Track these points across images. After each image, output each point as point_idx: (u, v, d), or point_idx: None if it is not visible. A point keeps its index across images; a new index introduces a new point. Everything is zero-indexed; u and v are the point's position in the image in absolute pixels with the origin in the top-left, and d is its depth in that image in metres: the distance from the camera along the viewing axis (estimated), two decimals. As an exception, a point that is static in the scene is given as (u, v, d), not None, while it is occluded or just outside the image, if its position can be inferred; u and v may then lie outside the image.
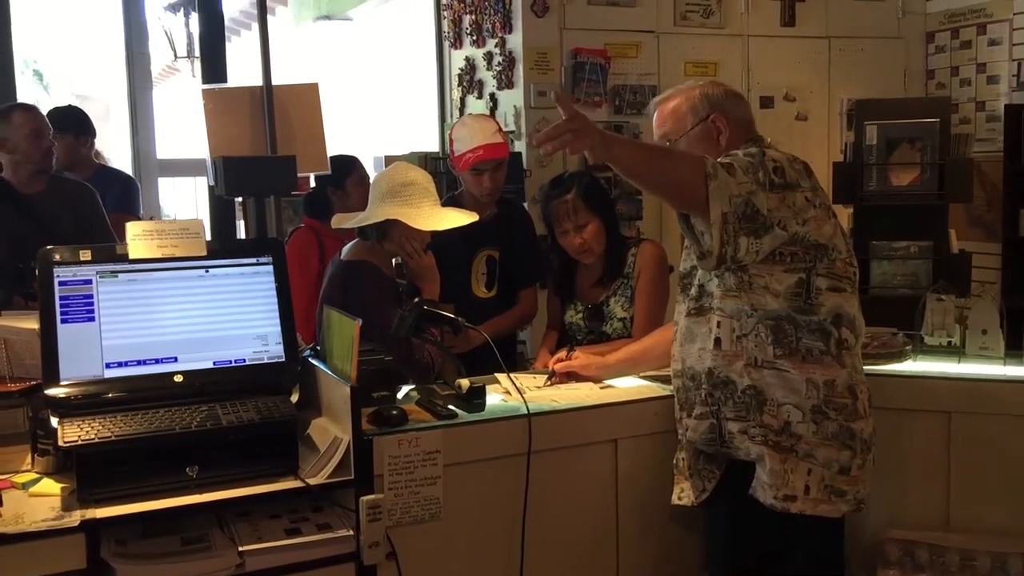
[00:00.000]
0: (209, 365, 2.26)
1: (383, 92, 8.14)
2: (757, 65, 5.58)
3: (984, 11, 5.61)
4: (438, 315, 2.63)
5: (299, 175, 3.57)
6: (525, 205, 4.56)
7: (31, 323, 2.32)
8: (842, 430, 2.28)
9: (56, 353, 2.14)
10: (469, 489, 2.35)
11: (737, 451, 2.34)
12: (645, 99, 5.11)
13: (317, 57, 8.40)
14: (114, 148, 6.24)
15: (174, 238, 2.32)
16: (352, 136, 6.87)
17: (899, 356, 2.88)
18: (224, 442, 2.09)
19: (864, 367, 2.41)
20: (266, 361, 2.31)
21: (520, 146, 5.11)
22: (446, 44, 5.85)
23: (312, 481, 2.13)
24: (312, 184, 4.05)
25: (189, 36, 6.16)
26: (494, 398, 2.55)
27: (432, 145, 5.97)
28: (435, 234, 2.94)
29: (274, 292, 2.37)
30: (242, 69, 5.04)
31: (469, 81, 5.59)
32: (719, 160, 2.20)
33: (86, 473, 2.00)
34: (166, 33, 6.37)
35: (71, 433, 2.01)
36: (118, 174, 4.86)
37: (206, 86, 3.91)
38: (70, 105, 4.79)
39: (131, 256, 2.27)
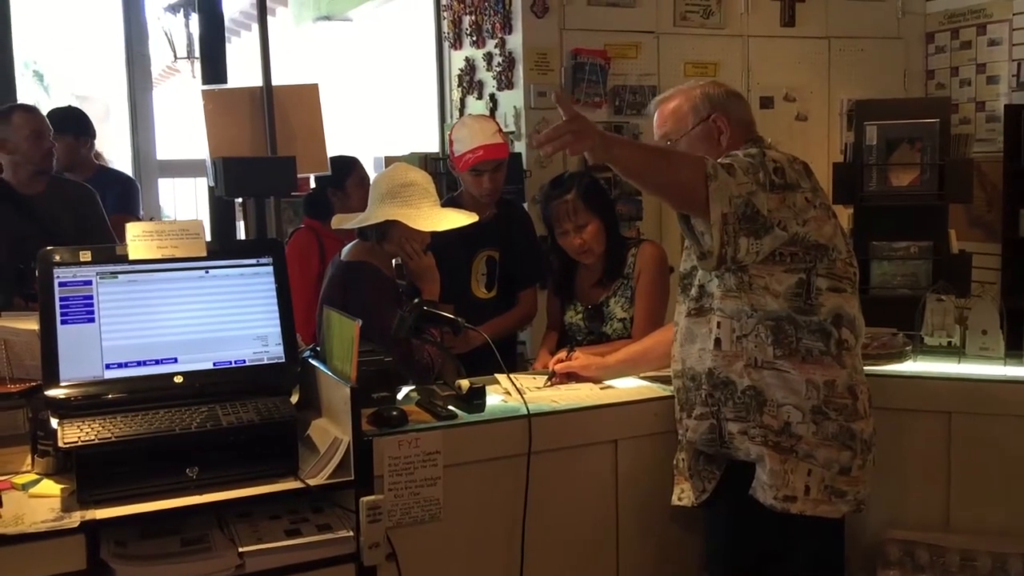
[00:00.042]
0: (209, 366, 2.26)
1: (383, 93, 8.14)
2: (757, 65, 5.57)
3: (984, 11, 5.60)
4: (438, 316, 2.63)
5: (299, 176, 3.57)
6: (525, 206, 4.55)
7: (31, 324, 2.32)
8: (842, 430, 2.28)
9: (56, 354, 2.14)
10: (469, 490, 2.35)
11: (737, 452, 2.34)
12: (645, 100, 5.11)
13: (317, 58, 8.40)
14: (114, 149, 6.24)
15: (174, 239, 2.32)
16: (352, 137, 6.87)
17: (899, 356, 2.88)
18: (224, 443, 2.09)
19: (864, 367, 2.41)
20: (266, 362, 2.31)
21: (520, 147, 5.11)
22: (446, 45, 5.85)
23: (312, 482, 2.13)
24: (312, 185, 4.05)
25: (189, 37, 6.16)
26: (494, 399, 2.55)
27: (432, 146, 5.97)
28: (435, 235, 2.94)
29: (274, 293, 2.37)
30: (242, 70, 5.04)
31: (469, 82, 5.59)
32: (719, 161, 2.20)
33: (86, 474, 2.00)
34: (166, 34, 6.37)
35: (71, 434, 2.01)
36: (118, 175, 4.86)
37: (206, 87, 3.91)
38: (70, 106, 4.79)
39: (131, 257, 2.27)
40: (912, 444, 2.71)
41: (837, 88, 5.75)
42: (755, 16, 5.56)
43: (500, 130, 3.36)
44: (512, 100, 5.21)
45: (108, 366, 2.18)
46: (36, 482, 2.12)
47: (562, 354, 2.88)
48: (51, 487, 2.09)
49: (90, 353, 2.17)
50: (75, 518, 1.94)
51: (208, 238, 2.37)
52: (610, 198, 3.54)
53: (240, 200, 4.09)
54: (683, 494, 2.47)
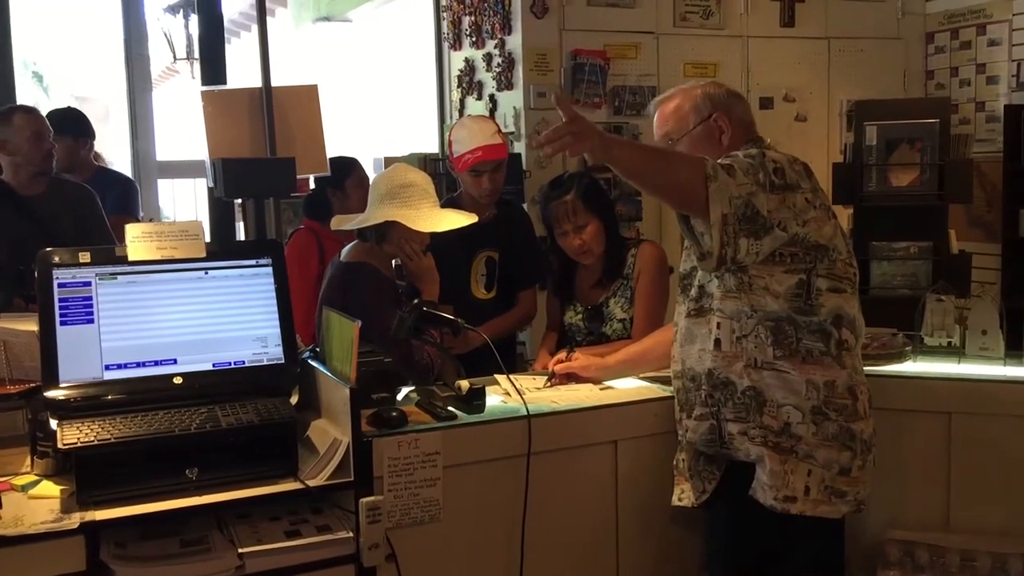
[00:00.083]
0: (208, 367, 2.26)
1: (382, 93, 8.14)
2: (757, 66, 5.57)
3: (983, 11, 5.60)
4: (437, 316, 2.63)
5: (298, 177, 3.58)
6: (524, 206, 4.55)
7: (30, 325, 2.32)
8: (842, 431, 2.28)
9: (55, 355, 2.14)
10: (469, 491, 2.35)
11: (737, 452, 2.34)
12: (645, 100, 5.10)
13: (316, 59, 8.40)
14: (114, 150, 6.24)
15: (173, 240, 2.32)
16: (351, 137, 6.87)
17: (899, 357, 2.88)
18: (224, 444, 2.09)
19: (864, 368, 2.41)
20: (265, 363, 2.31)
21: (519, 147, 5.11)
22: (445, 45, 5.85)
23: (312, 483, 2.13)
24: (312, 186, 4.06)
25: (188, 38, 6.16)
26: (494, 399, 2.55)
27: (431, 146, 5.97)
28: (434, 235, 2.94)
29: (273, 294, 2.37)
30: (241, 71, 5.04)
31: (468, 82, 5.59)
32: (719, 161, 2.20)
33: (85, 475, 2.00)
34: (165, 35, 6.37)
35: (70, 435, 2.01)
36: (117, 176, 4.86)
37: (205, 88, 3.91)
38: (69, 107, 4.79)
39: (130, 258, 2.27)
40: (912, 444, 2.71)
41: (837, 88, 5.75)
42: (755, 16, 5.56)
43: (499, 131, 3.36)
44: (512, 101, 5.21)
45: (107, 367, 2.18)
46: (35, 483, 2.11)
47: (562, 355, 2.88)
48: (51, 488, 2.08)
49: (89, 354, 2.17)
50: (75, 519, 1.93)
51: (207, 239, 2.37)
52: (610, 199, 3.54)
53: (239, 201, 4.08)
54: (683, 494, 2.47)
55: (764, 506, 2.28)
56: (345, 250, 3.03)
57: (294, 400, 2.35)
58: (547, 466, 2.41)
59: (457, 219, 2.95)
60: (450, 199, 3.43)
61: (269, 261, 2.39)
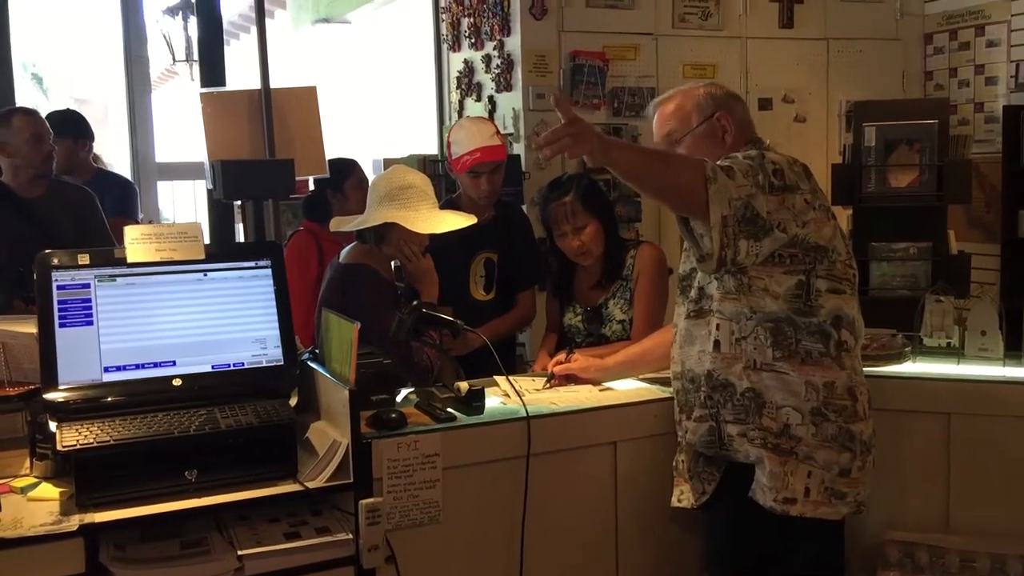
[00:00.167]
0: (208, 369, 2.26)
1: (381, 95, 8.14)
2: (755, 67, 5.57)
3: (982, 12, 5.61)
4: (437, 318, 2.63)
5: (297, 178, 3.58)
6: (523, 207, 4.55)
7: (29, 327, 2.32)
8: (842, 432, 2.28)
9: (54, 357, 2.14)
10: (468, 492, 2.35)
11: (736, 453, 2.33)
12: (644, 101, 5.11)
13: (315, 60, 8.40)
14: (113, 152, 6.24)
15: (172, 242, 2.32)
16: (350, 139, 6.87)
17: (898, 358, 2.88)
18: (223, 446, 2.09)
19: (864, 369, 2.41)
20: (265, 365, 2.31)
21: (518, 148, 5.11)
22: (444, 47, 5.85)
23: (311, 485, 2.13)
24: (311, 187, 4.06)
25: (188, 39, 6.15)
26: (493, 401, 2.55)
27: (431, 148, 5.96)
28: (433, 237, 2.94)
29: (273, 295, 2.37)
30: (240, 72, 5.04)
31: (467, 84, 5.59)
32: (718, 163, 2.20)
33: (85, 477, 1.99)
34: (164, 37, 6.36)
35: (70, 437, 2.01)
36: (116, 178, 4.86)
37: (204, 89, 3.91)
38: (68, 109, 4.79)
39: (129, 260, 2.27)
40: (912, 445, 2.71)
41: (836, 89, 5.76)
42: (753, 17, 5.56)
43: (498, 132, 3.36)
44: (511, 102, 5.21)
45: (107, 369, 2.18)
46: (35, 485, 2.11)
47: (561, 356, 2.88)
48: (50, 490, 2.08)
49: (88, 356, 2.17)
50: (74, 521, 1.93)
51: (207, 241, 2.38)
52: (609, 200, 3.54)
53: (239, 203, 4.08)
54: (683, 496, 2.47)
55: (764, 507, 2.28)
56: (344, 252, 3.03)
57: (293, 402, 2.34)
58: (547, 467, 2.41)
59: (456, 220, 2.95)
60: (449, 200, 3.43)
61: (268, 263, 2.39)
